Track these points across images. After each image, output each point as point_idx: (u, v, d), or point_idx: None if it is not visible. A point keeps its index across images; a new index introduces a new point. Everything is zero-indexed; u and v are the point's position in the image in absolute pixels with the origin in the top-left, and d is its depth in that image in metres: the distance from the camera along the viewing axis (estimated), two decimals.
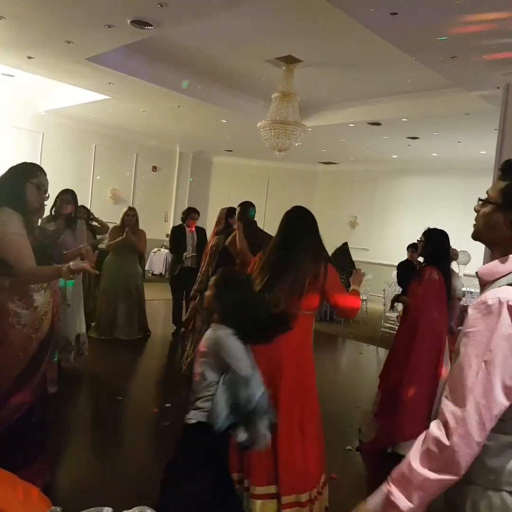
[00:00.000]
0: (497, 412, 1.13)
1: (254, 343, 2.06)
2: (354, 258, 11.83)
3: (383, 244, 11.45)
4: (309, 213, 2.63)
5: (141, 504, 1.16)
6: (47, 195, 2.60)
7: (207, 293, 2.11)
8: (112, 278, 6.01)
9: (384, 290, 7.85)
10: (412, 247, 6.19)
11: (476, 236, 1.36)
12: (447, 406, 1.17)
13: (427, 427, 1.23)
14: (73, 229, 4.35)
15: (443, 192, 10.61)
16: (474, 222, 1.35)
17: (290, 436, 2.36)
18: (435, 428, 1.18)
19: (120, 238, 5.79)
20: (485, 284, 1.28)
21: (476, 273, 1.31)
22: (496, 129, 5.29)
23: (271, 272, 2.47)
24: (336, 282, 2.52)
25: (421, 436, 1.21)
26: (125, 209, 6.18)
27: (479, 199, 1.35)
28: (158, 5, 4.41)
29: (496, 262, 1.27)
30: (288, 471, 2.33)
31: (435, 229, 3.69)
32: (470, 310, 1.21)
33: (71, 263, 2.41)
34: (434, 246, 3.57)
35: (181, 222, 6.66)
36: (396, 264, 6.26)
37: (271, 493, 2.34)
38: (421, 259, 3.79)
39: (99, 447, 3.41)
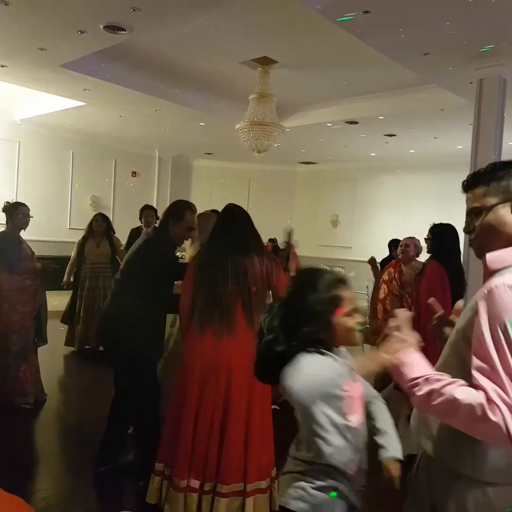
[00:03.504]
0: None
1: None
2: (336, 256, 11.94)
3: (365, 241, 11.52)
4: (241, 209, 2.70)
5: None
6: None
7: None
8: None
9: (367, 287, 7.91)
10: (394, 244, 6.25)
11: (482, 251, 1.29)
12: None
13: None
14: None
15: (422, 188, 10.73)
16: (472, 239, 1.31)
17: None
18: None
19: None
20: (491, 272, 1.25)
21: (484, 259, 1.28)
22: (471, 124, 5.37)
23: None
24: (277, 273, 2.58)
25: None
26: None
27: (470, 215, 1.32)
28: (131, 9, 4.39)
29: (507, 251, 1.24)
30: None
31: (440, 224, 3.66)
32: (479, 302, 1.19)
33: None
34: (438, 241, 3.56)
35: (139, 224, 6.20)
36: (379, 261, 6.30)
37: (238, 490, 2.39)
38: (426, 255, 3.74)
39: (79, 457, 3.36)
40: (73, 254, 5.99)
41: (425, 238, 3.73)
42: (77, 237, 6.27)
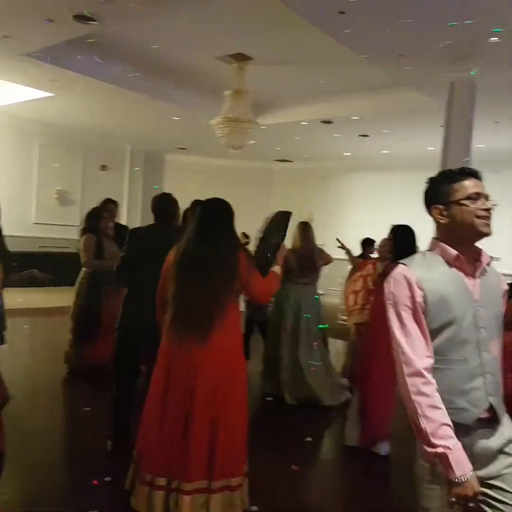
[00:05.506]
0: None
1: None
2: None
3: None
4: (227, 204, 2.62)
5: None
6: None
7: None
8: None
9: (339, 284, 7.97)
10: (366, 243, 6.33)
11: None
12: None
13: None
14: None
15: (394, 188, 10.87)
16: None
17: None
18: None
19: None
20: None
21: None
22: (442, 126, 5.44)
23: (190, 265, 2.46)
24: (250, 269, 2.52)
25: None
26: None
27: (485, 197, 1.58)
28: None
29: None
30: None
31: (402, 225, 3.63)
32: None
33: None
34: (402, 243, 3.49)
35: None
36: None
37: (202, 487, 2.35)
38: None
39: (42, 461, 3.25)
40: (87, 255, 4.73)
41: (386, 239, 3.71)
42: (41, 232, 5.90)
